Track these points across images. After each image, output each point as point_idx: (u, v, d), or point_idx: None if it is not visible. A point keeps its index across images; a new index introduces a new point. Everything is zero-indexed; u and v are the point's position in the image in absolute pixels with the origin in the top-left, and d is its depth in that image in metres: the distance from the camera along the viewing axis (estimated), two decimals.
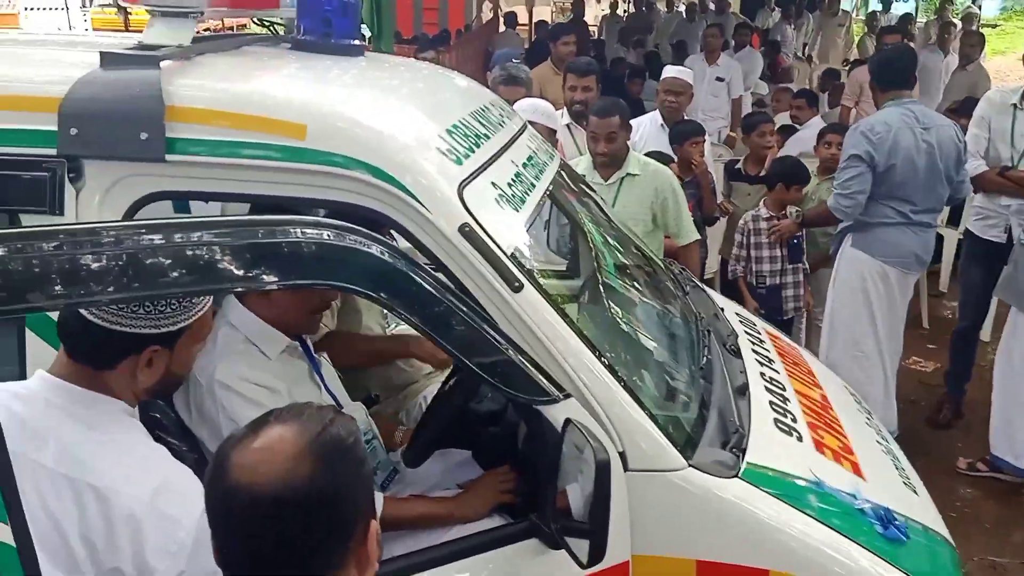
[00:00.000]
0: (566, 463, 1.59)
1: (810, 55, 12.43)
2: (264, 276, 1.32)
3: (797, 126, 6.55)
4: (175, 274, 1.27)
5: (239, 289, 1.41)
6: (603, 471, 1.44)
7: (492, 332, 1.57)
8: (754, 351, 2.45)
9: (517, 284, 1.67)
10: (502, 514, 2.00)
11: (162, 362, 1.51)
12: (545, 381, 1.61)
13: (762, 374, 2.30)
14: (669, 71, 5.14)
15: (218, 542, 1.07)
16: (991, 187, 4.20)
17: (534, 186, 2.06)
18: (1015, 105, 4.10)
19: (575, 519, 1.60)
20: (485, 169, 1.88)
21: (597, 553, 1.46)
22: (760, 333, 2.71)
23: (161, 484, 1.39)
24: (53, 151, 1.70)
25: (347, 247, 1.41)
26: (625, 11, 15.27)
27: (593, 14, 14.69)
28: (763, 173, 4.88)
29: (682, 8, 14.89)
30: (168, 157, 1.69)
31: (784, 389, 2.29)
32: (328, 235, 1.38)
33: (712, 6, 12.94)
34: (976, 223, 4.36)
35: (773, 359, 2.49)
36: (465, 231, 1.67)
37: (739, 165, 5.18)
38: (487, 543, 1.67)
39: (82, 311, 1.42)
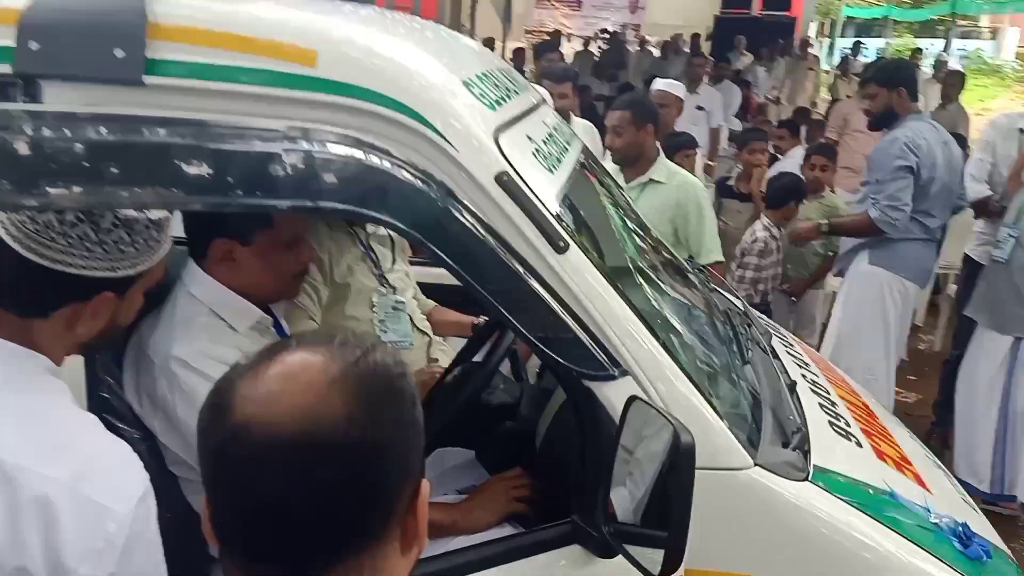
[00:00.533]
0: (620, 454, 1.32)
1: (778, 97, 12.55)
2: (279, 194, 1.05)
3: (779, 156, 6.49)
4: (142, 182, 1.00)
5: (232, 208, 1.14)
6: (687, 459, 1.17)
7: (543, 290, 1.31)
8: (788, 353, 2.22)
9: (562, 244, 1.41)
10: (513, 524, 1.72)
11: (108, 311, 1.21)
12: (601, 353, 1.35)
13: (803, 376, 2.07)
14: (657, 84, 5.00)
15: (216, 505, 0.77)
16: (994, 213, 4.09)
17: (567, 151, 1.82)
18: (1021, 130, 4.01)
19: (631, 522, 1.33)
20: (519, 121, 1.63)
21: (673, 561, 1.18)
22: (786, 336, 2.49)
23: (86, 461, 1.06)
24: (8, 68, 1.41)
25: (383, 171, 1.14)
26: (599, 48, 15.34)
27: (564, 52, 14.72)
28: (763, 192, 4.76)
29: (652, 49, 15.03)
30: (147, 80, 1.40)
31: (828, 393, 2.06)
32: (357, 153, 1.12)
33: (686, 49, 13.03)
34: (977, 249, 4.23)
35: (808, 362, 2.26)
36: (503, 180, 1.41)
37: (730, 182, 5.04)
38: (517, 550, 1.39)
39: (12, 243, 1.12)
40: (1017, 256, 3.54)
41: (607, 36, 16.07)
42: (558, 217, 1.45)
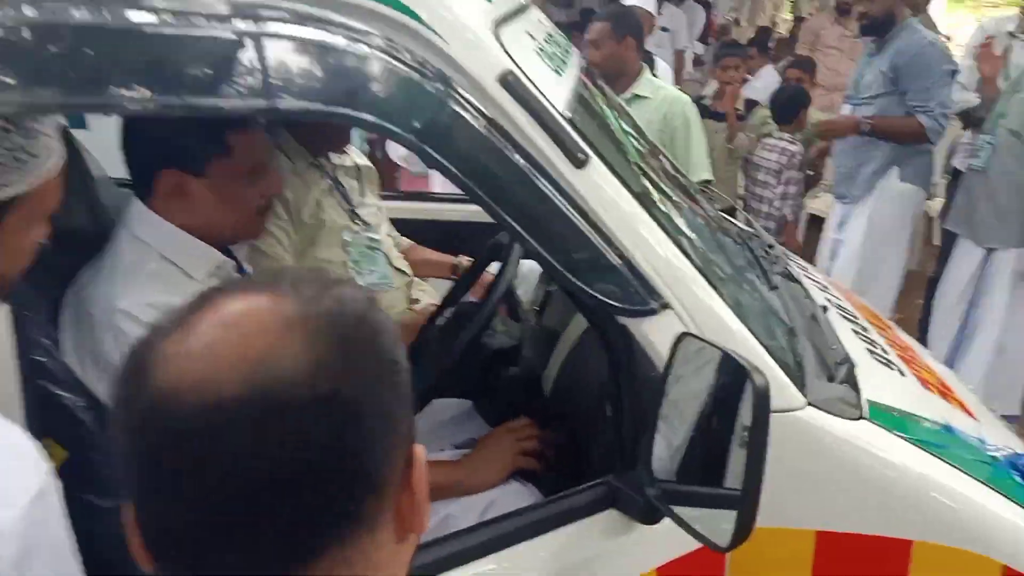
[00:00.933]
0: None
1: (737, 18, 12.25)
2: (239, 93, 0.81)
3: (748, 76, 6.26)
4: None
5: (178, 111, 0.89)
6: (763, 403, 0.97)
7: (569, 208, 1.09)
8: (808, 277, 2.04)
9: (581, 156, 1.18)
10: (520, 479, 1.53)
11: None
12: (638, 284, 1.13)
13: (829, 301, 1.88)
14: (627, 1, 4.70)
15: (143, 507, 0.56)
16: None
17: (568, 53, 1.58)
18: (1011, 34, 3.82)
19: (671, 479, 1.14)
20: (517, 16, 1.38)
21: (747, 525, 0.99)
22: (798, 259, 2.30)
23: None
24: None
25: (372, 59, 0.90)
26: None
27: None
28: (737, 110, 4.57)
29: None
30: None
31: (857, 318, 1.88)
32: (337, 38, 0.87)
33: None
34: (965, 161, 4.08)
35: (827, 286, 2.08)
36: (508, 81, 1.16)
37: (706, 101, 4.81)
38: (546, 521, 1.18)
39: None
40: (994, 164, 3.39)
41: None
42: (574, 125, 1.21)
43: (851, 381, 1.42)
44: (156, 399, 0.52)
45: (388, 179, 3.80)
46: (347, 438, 0.54)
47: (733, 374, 1.02)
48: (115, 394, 0.56)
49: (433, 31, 1.14)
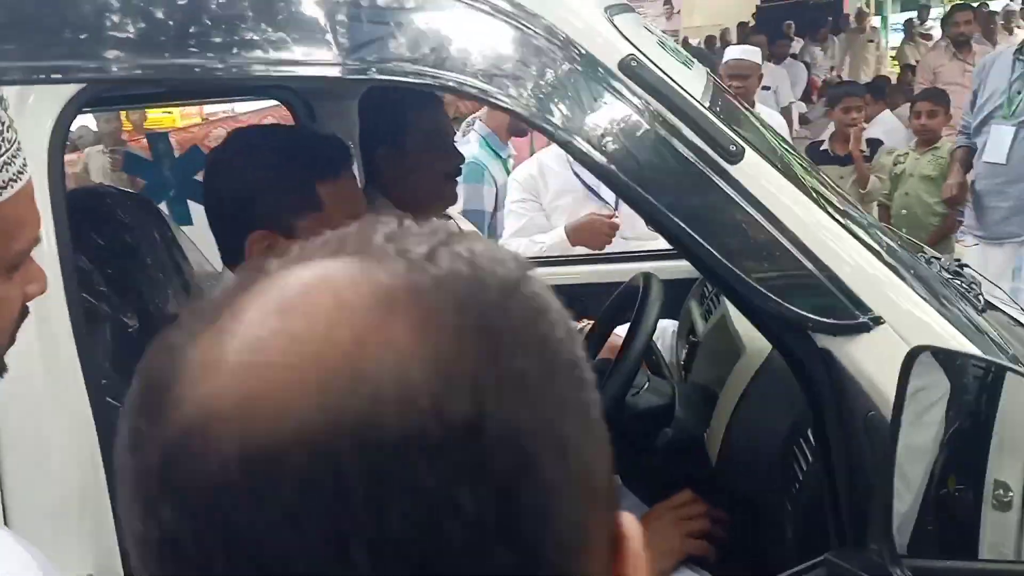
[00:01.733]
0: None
1: (840, 76, 11.92)
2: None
3: (864, 124, 5.90)
4: None
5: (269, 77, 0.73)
6: None
7: (738, 195, 0.84)
8: (1007, 304, 1.69)
9: (734, 148, 0.94)
10: (693, 568, 1.24)
11: None
12: (841, 294, 0.86)
13: None
14: (731, 52, 4.44)
15: None
16: None
17: (691, 57, 1.36)
18: None
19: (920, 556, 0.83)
20: (627, 11, 1.18)
21: None
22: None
23: None
24: None
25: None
26: None
27: None
28: (863, 152, 4.19)
29: (692, 41, 14.49)
30: None
31: None
32: None
33: (733, 40, 12.54)
34: None
35: None
36: (631, 67, 0.95)
37: (824, 146, 4.47)
38: None
39: None
40: None
41: None
42: (719, 116, 0.98)
43: None
44: (178, 435, 0.30)
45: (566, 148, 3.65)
46: (508, 500, 0.29)
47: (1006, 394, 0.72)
48: (124, 424, 0.33)
49: (535, 15, 0.96)
